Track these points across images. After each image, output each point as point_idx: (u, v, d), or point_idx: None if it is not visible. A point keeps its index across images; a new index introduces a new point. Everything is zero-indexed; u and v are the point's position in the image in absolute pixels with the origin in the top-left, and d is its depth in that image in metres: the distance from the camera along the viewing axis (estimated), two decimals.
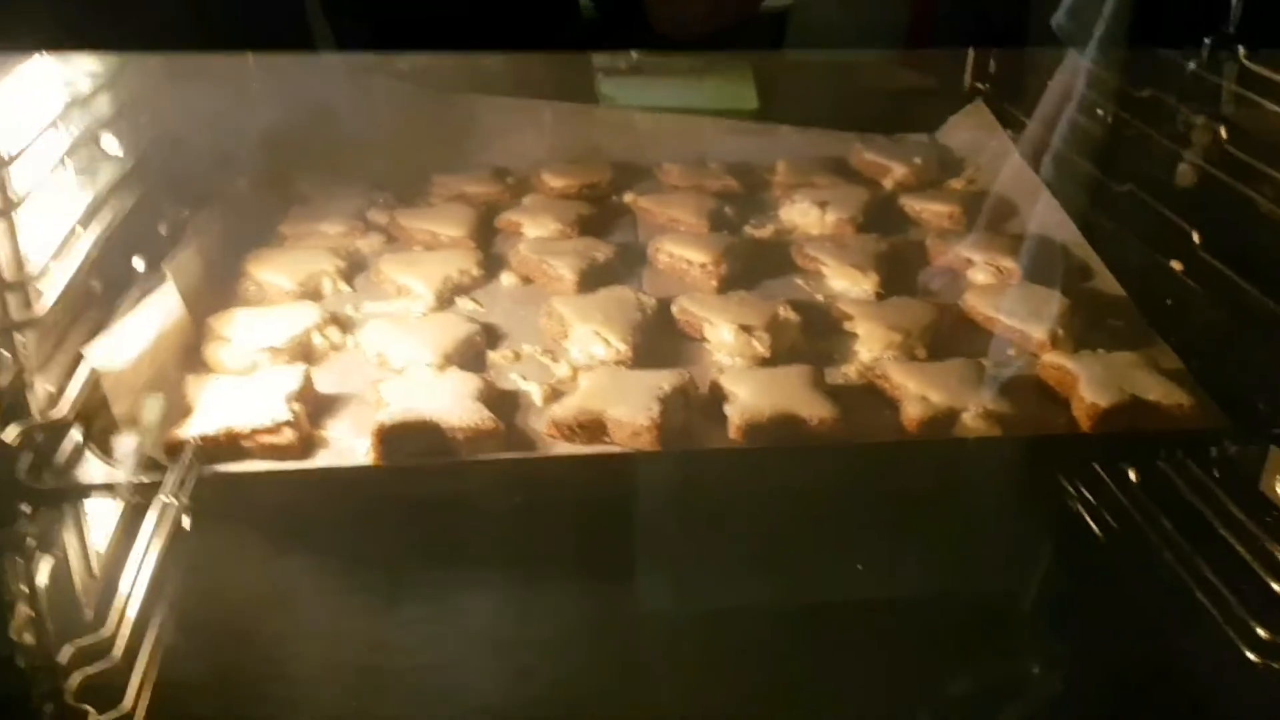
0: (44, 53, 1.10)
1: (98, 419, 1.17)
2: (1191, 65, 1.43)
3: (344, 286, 1.51)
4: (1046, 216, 1.67)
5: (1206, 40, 1.31)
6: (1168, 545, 1.28)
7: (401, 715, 1.06)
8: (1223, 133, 1.40)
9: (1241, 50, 1.34)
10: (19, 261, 1.07)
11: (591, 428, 1.21)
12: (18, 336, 1.06)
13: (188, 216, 1.52)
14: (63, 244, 1.11)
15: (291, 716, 1.10)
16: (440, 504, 1.17)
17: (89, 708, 1.07)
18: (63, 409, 1.12)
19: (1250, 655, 1.15)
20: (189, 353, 1.33)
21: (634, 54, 1.92)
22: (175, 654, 1.14)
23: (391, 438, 1.17)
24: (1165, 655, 1.22)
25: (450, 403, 1.21)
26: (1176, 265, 1.47)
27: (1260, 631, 1.16)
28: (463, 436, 1.18)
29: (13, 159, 1.01)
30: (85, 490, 1.12)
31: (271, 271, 1.48)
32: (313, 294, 1.48)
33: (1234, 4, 1.21)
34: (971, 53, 1.97)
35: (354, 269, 1.55)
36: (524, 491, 1.17)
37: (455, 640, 1.10)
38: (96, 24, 0.88)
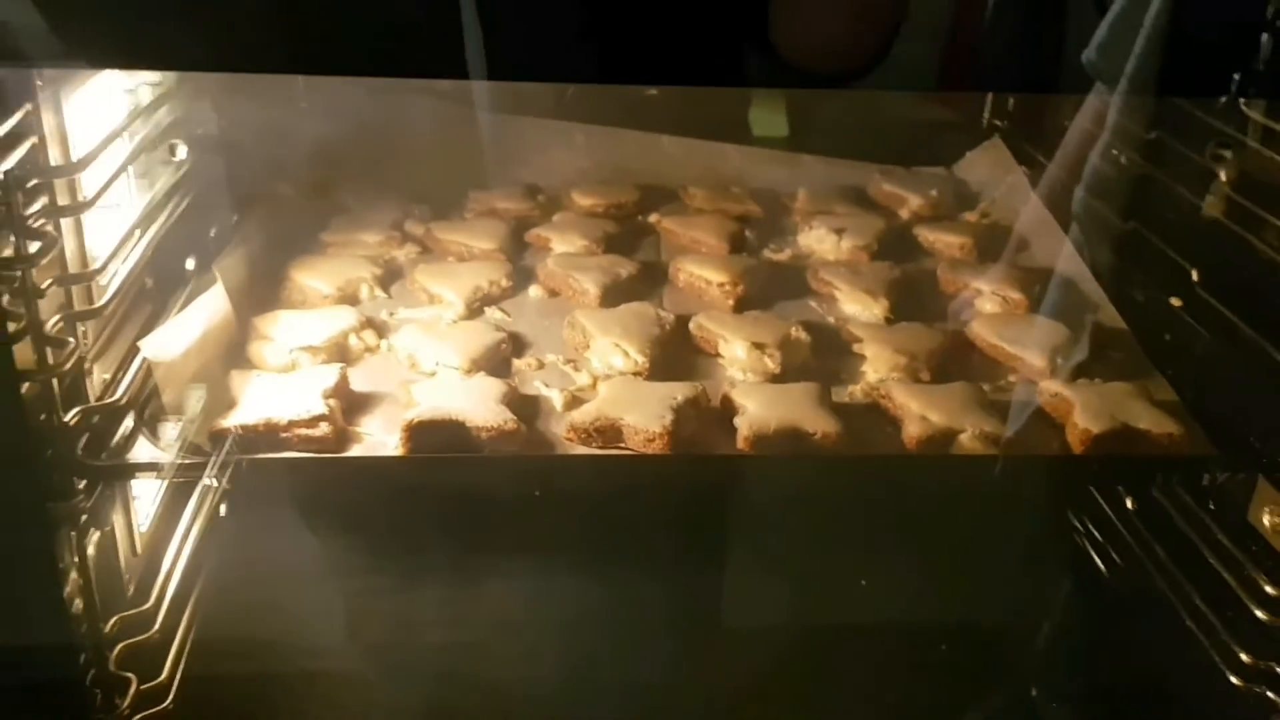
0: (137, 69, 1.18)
1: (149, 406, 1.26)
2: (1198, 111, 1.49)
3: (380, 293, 1.59)
4: (1055, 251, 1.73)
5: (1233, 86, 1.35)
6: (1160, 571, 1.32)
7: (420, 689, 1.13)
8: (1223, 176, 1.45)
9: (1242, 101, 1.39)
10: (85, 258, 1.16)
11: (608, 433, 1.28)
12: (79, 326, 1.15)
13: (237, 222, 1.61)
14: (122, 243, 1.19)
15: (316, 688, 1.17)
16: (461, 495, 1.24)
17: (131, 675, 1.14)
18: (117, 395, 1.20)
19: (1234, 679, 1.19)
20: (234, 350, 1.41)
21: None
22: (210, 629, 1.22)
23: (420, 434, 1.24)
24: (1154, 677, 1.26)
25: (476, 404, 1.28)
26: (1176, 302, 1.52)
27: (1244, 656, 1.19)
28: (486, 436, 1.25)
29: (85, 164, 1.09)
30: (134, 469, 1.20)
31: (313, 277, 1.56)
32: (351, 299, 1.56)
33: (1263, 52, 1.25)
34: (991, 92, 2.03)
35: (390, 277, 1.63)
36: (540, 486, 1.24)
37: (473, 621, 1.17)
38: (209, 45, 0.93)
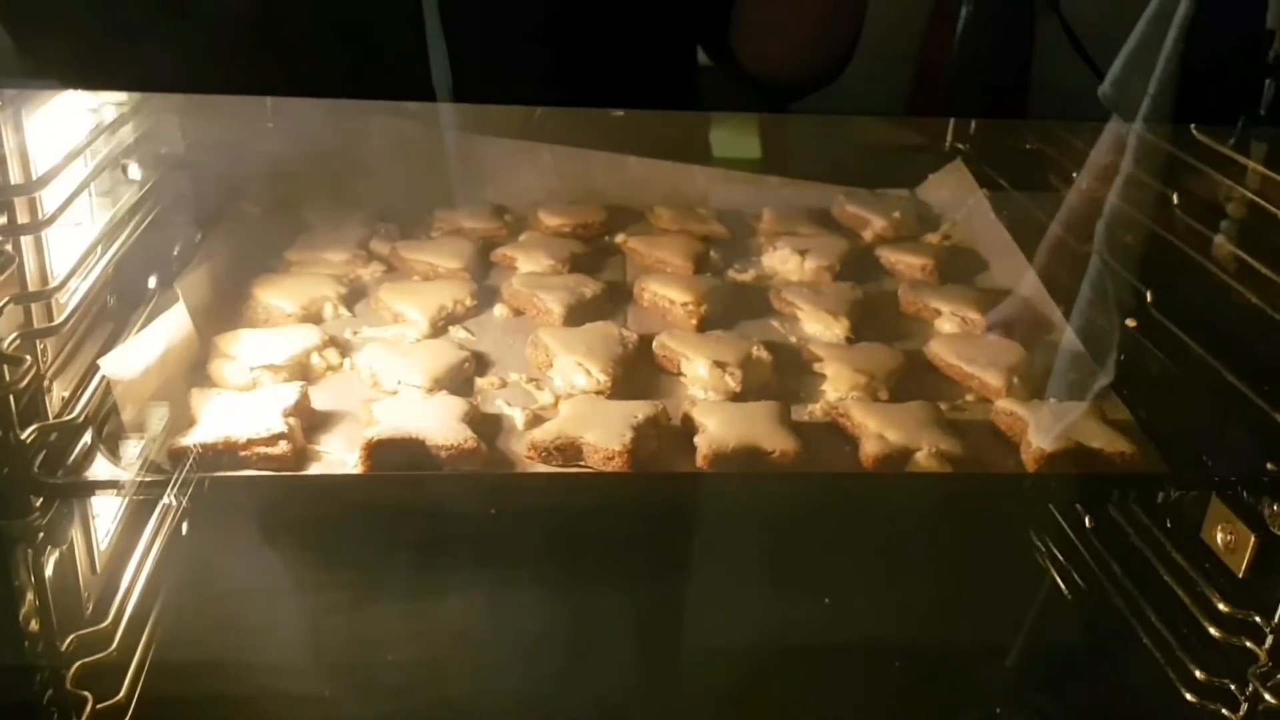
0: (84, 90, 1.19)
1: (108, 424, 1.26)
2: (1156, 139, 1.51)
3: (344, 312, 1.59)
4: (1015, 273, 1.75)
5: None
6: (1116, 589, 1.34)
7: (379, 707, 1.13)
8: (1175, 199, 1.47)
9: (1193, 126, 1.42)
10: (45, 276, 1.16)
11: (568, 451, 1.29)
12: (38, 344, 1.15)
13: (200, 240, 1.61)
14: (82, 260, 1.19)
15: (276, 707, 1.16)
16: (420, 512, 1.25)
17: (88, 694, 1.14)
18: (75, 412, 1.19)
19: (1189, 696, 1.21)
20: (196, 369, 1.41)
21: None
22: (170, 647, 1.21)
23: (380, 452, 1.25)
24: (1111, 694, 1.28)
25: (436, 422, 1.29)
26: (1131, 323, 1.54)
27: (1198, 673, 1.21)
28: (446, 454, 1.26)
29: (44, 182, 1.09)
30: (91, 487, 1.19)
31: (276, 295, 1.56)
32: (314, 318, 1.56)
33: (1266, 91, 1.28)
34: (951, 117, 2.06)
35: (355, 296, 1.64)
36: (498, 503, 1.25)
37: (432, 639, 1.17)
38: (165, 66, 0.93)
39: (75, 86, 1.10)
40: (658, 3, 1.54)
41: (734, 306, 1.66)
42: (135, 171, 1.42)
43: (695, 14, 1.71)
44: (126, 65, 0.92)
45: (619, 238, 1.86)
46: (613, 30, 1.27)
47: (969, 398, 1.48)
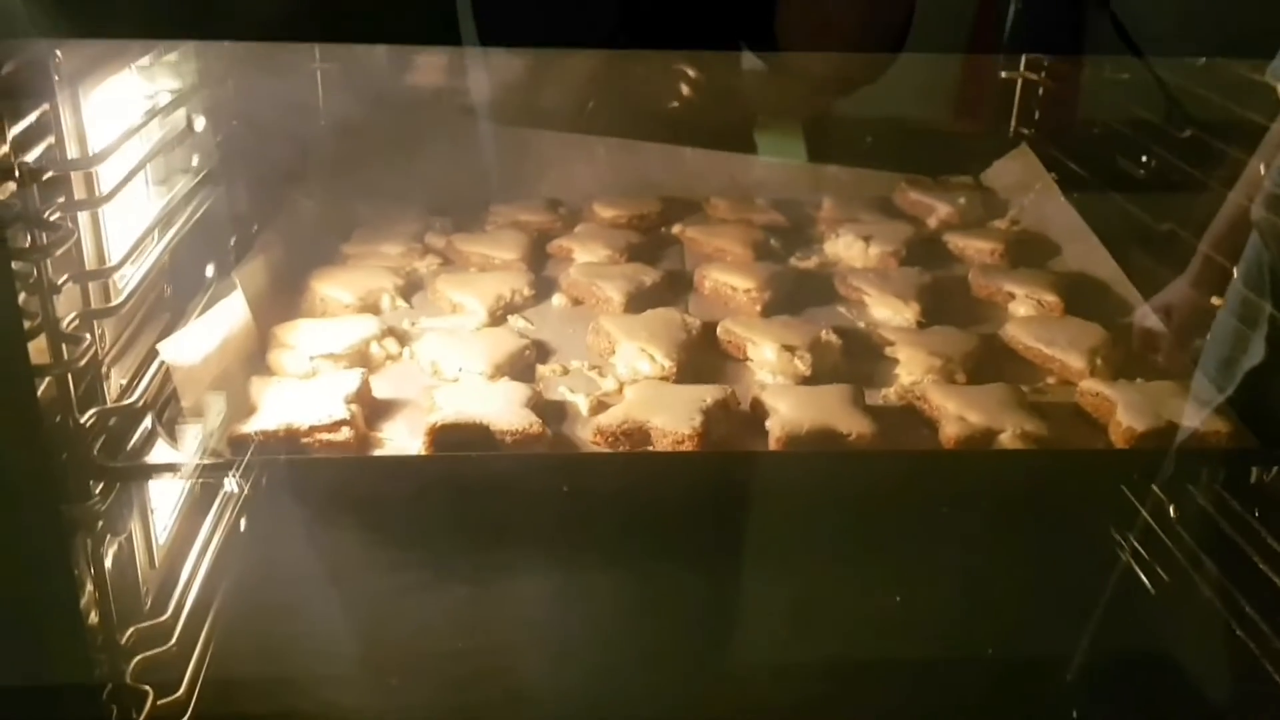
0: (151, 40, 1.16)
1: (167, 410, 1.23)
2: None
3: (401, 303, 1.56)
4: (1089, 255, 1.70)
5: None
6: (1205, 580, 1.29)
7: (444, 697, 1.09)
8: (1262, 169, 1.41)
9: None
10: (102, 257, 1.14)
11: (635, 436, 1.25)
12: (96, 325, 1.12)
13: (257, 231, 1.59)
14: (139, 243, 1.17)
15: (339, 699, 1.13)
16: (486, 495, 1.21)
17: (148, 688, 1.11)
18: (134, 397, 1.17)
19: None
20: (254, 359, 1.39)
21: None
22: (229, 640, 1.19)
23: (444, 437, 1.21)
24: (1201, 688, 1.22)
25: (500, 408, 1.25)
26: (1217, 301, 1.48)
27: None
28: (511, 439, 1.22)
29: (101, 158, 1.07)
30: (151, 470, 1.17)
31: (334, 287, 1.54)
32: (372, 309, 1.53)
33: None
34: (1017, 99, 2.01)
35: (411, 288, 1.61)
36: (568, 484, 1.21)
37: (496, 625, 1.14)
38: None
39: (111, 35, 1.07)
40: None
41: (797, 293, 1.61)
42: (189, 159, 1.39)
43: (740, 11, 1.68)
44: (150, 10, 0.90)
45: (676, 228, 1.82)
46: None
47: (1050, 381, 1.42)
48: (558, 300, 1.59)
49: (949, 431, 1.26)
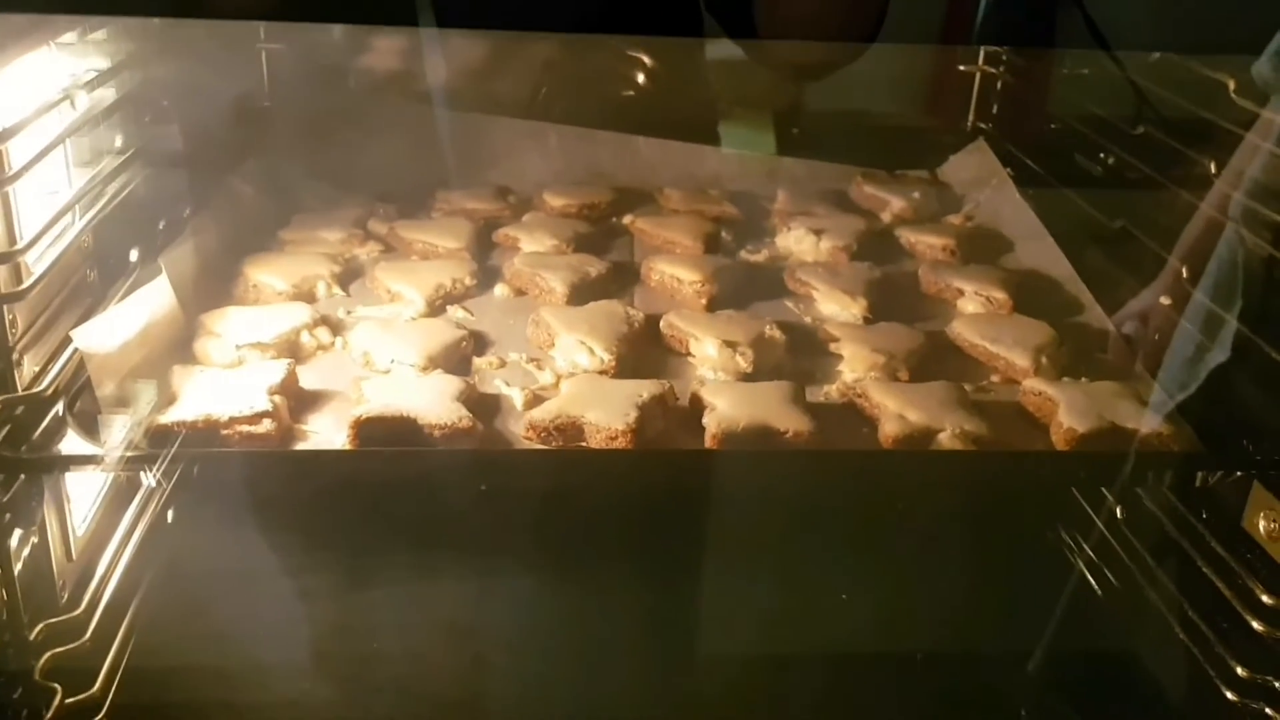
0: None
1: (80, 399, 1.19)
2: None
3: (338, 291, 1.53)
4: (1041, 252, 1.68)
5: None
6: (1150, 582, 1.27)
7: (361, 701, 1.06)
8: (1212, 168, 1.39)
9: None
10: (12, 236, 1.10)
11: (569, 431, 1.22)
12: (6, 311, 1.08)
13: (189, 215, 1.55)
14: (52, 222, 1.13)
15: (261, 697, 1.10)
16: (410, 491, 1.18)
17: (57, 686, 1.07)
18: (44, 385, 1.13)
19: (1229, 694, 1.15)
20: (181, 347, 1.35)
21: None
22: (148, 636, 1.15)
23: (369, 430, 1.18)
24: (1145, 689, 1.21)
25: (430, 401, 1.22)
26: (1165, 301, 1.46)
27: (1239, 670, 1.15)
28: (439, 434, 1.19)
29: (8, 135, 1.03)
30: (58, 461, 1.13)
31: (267, 273, 1.50)
32: (306, 297, 1.49)
33: None
34: (975, 93, 1.99)
35: (350, 275, 1.57)
36: (490, 481, 1.18)
37: (421, 628, 1.11)
38: None
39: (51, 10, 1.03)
40: None
41: (745, 287, 1.58)
42: (114, 139, 1.35)
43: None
44: None
45: (626, 219, 1.80)
46: None
47: (994, 379, 1.40)
48: (500, 291, 1.56)
49: (888, 430, 1.24)
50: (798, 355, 1.42)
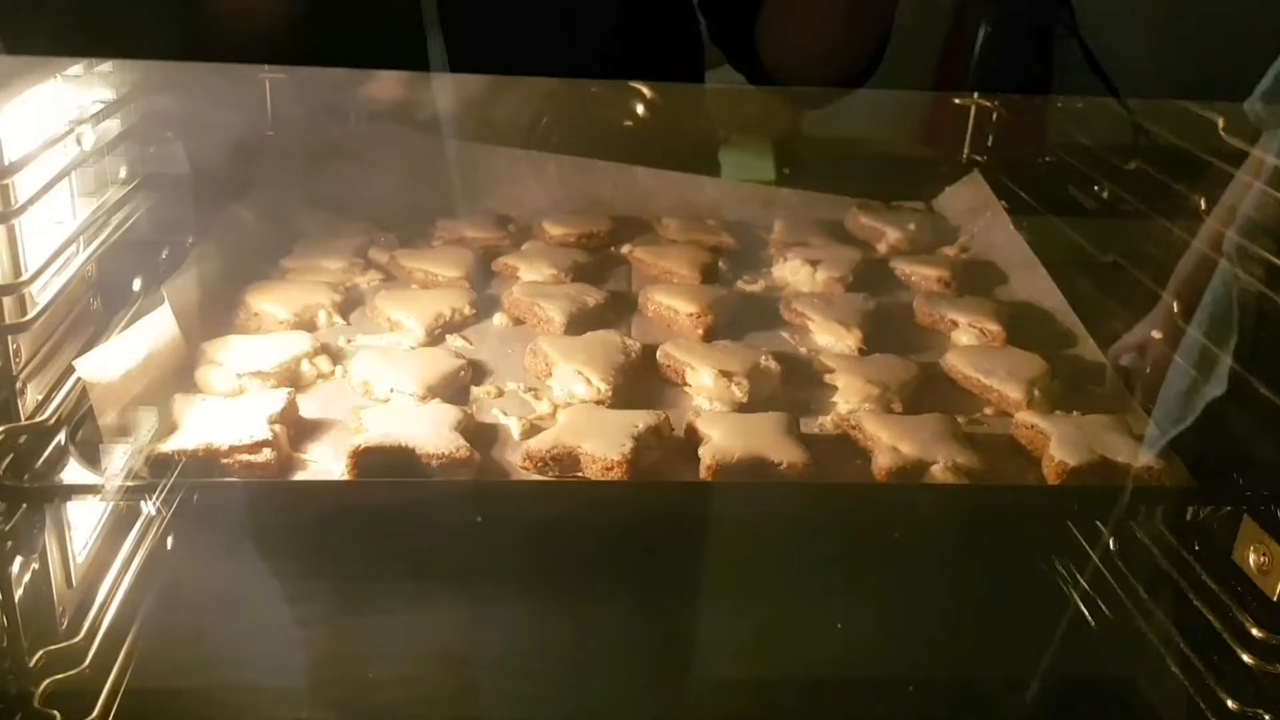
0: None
1: (83, 429, 1.20)
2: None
3: (338, 319, 1.54)
4: (1035, 284, 1.69)
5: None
6: (1142, 614, 1.28)
7: None
8: (1202, 204, 1.41)
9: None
10: (17, 268, 1.12)
11: (565, 461, 1.23)
12: (11, 341, 1.10)
13: (192, 244, 1.56)
14: (57, 253, 1.15)
15: None
16: (407, 522, 1.19)
17: (56, 713, 1.08)
18: (46, 414, 1.14)
19: None
20: (182, 375, 1.36)
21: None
22: (147, 664, 1.16)
23: (367, 460, 1.19)
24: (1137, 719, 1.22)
25: (428, 431, 1.23)
26: (1157, 335, 1.48)
27: (1230, 703, 1.16)
28: (437, 464, 1.20)
29: (15, 169, 1.05)
30: (60, 491, 1.14)
31: (268, 302, 1.51)
32: (307, 325, 1.51)
33: None
34: (970, 126, 2.02)
35: (351, 304, 1.59)
36: (486, 512, 1.19)
37: (420, 656, 1.12)
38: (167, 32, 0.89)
39: (49, 52, 1.05)
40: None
41: (742, 317, 1.60)
42: (119, 169, 1.36)
43: (719, 17, 1.68)
44: (111, 29, 0.87)
45: (625, 248, 1.81)
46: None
47: (988, 411, 1.41)
48: (499, 320, 1.57)
49: (881, 462, 1.25)
50: (793, 386, 1.43)
